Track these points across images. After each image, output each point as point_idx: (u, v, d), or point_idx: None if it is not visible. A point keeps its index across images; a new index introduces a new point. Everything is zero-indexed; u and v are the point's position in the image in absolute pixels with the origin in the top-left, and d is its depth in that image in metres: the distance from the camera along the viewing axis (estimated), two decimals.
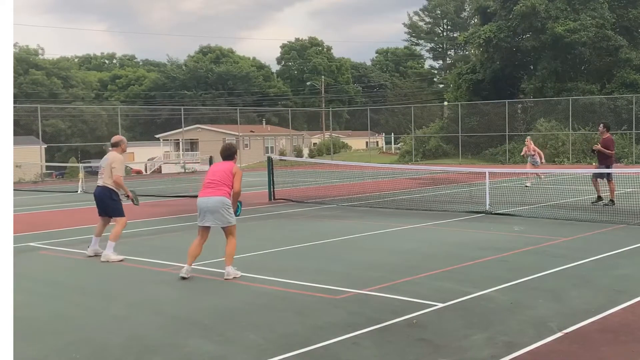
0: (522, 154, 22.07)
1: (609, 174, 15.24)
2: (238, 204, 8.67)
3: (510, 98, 42.90)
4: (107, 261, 9.82)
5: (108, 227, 10.48)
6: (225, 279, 8.22)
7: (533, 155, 20.88)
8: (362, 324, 6.20)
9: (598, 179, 15.43)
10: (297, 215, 15.13)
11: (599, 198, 15.28)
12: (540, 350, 5.40)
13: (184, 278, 8.29)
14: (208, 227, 8.47)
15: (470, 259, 9.25)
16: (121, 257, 9.93)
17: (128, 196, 10.35)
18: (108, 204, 10.18)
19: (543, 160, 21.43)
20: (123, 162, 10.31)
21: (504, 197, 17.08)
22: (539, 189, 19.73)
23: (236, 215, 8.57)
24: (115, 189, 10.17)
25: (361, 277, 8.24)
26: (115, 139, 10.53)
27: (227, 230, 8.40)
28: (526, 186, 20.35)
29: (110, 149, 10.56)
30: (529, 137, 22.92)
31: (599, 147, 15.13)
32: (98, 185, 10.24)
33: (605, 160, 15.21)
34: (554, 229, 12.04)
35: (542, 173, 22.04)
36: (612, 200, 14.96)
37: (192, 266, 8.44)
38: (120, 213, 10.21)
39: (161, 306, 7.18)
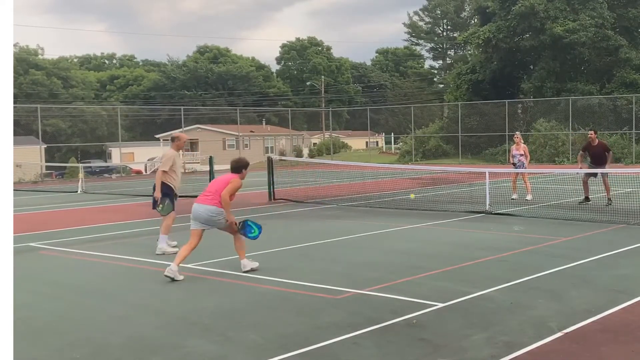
0: (512, 155, 17.66)
1: (605, 173, 15.37)
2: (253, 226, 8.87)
3: (510, 98, 42.91)
4: (164, 253, 10.14)
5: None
6: (243, 271, 8.66)
7: (521, 155, 17.30)
8: (362, 324, 6.20)
9: (590, 178, 15.55)
10: (297, 216, 15.12)
11: (587, 199, 15.43)
12: (540, 350, 5.40)
13: (172, 279, 8.31)
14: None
15: (470, 259, 9.26)
16: (176, 250, 10.00)
17: (156, 197, 10.28)
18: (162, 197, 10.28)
19: (528, 161, 17.76)
20: (171, 158, 10.36)
21: (504, 197, 17.07)
22: (538, 189, 19.71)
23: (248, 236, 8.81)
24: (169, 185, 10.32)
25: (361, 277, 8.24)
26: (175, 133, 11.01)
27: (229, 230, 8.78)
28: (512, 199, 17.04)
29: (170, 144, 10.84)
30: (518, 132, 18.77)
31: (609, 159, 15.48)
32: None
33: (602, 161, 15.36)
34: (554, 229, 12.04)
35: (530, 174, 18.78)
36: (610, 199, 15.05)
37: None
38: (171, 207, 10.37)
39: (161, 306, 7.19)
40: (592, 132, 16.00)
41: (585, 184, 15.57)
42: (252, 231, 8.77)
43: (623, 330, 5.89)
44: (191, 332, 6.16)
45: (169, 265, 8.42)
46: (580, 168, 16.01)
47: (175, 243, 10.60)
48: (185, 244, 8.65)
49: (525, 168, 17.56)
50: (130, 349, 5.72)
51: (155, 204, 10.39)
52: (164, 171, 10.28)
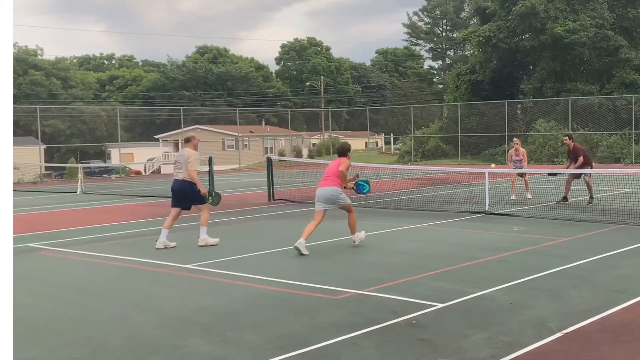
0: (511, 160, 17.68)
1: (588, 173, 15.63)
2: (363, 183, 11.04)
3: (509, 98, 42.93)
4: (206, 245, 10.71)
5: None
6: (353, 244, 10.44)
7: (520, 160, 17.38)
8: (361, 324, 6.20)
9: (574, 180, 15.74)
10: (296, 216, 15.12)
11: (565, 199, 15.65)
12: (540, 351, 5.40)
13: (301, 254, 9.69)
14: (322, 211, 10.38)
15: (470, 259, 9.26)
16: (217, 240, 10.86)
17: (204, 195, 11.03)
18: (191, 196, 10.83)
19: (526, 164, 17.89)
20: (197, 156, 11.01)
21: (504, 198, 17.07)
22: (538, 189, 19.71)
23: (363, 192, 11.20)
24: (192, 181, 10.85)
25: (361, 277, 8.24)
26: (189, 134, 11.39)
27: (346, 208, 10.43)
28: (512, 199, 16.97)
29: (184, 144, 11.30)
30: (516, 138, 18.92)
31: (575, 166, 15.46)
32: (177, 179, 10.90)
33: (584, 165, 15.53)
34: (554, 229, 12.04)
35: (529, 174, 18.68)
36: (591, 197, 15.32)
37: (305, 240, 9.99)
38: (203, 201, 11.01)
39: (161, 306, 7.18)
40: (566, 137, 16.18)
41: (568, 183, 15.76)
42: (364, 188, 10.77)
43: (623, 330, 5.89)
44: (191, 332, 6.16)
45: (174, 265, 8.41)
46: (567, 168, 16.16)
47: (174, 244, 10.85)
48: (312, 222, 10.16)
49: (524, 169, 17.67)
50: (129, 349, 5.71)
51: (200, 200, 10.92)
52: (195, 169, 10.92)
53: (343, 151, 10.61)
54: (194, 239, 11.14)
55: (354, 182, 10.85)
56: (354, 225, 10.46)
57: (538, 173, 23.48)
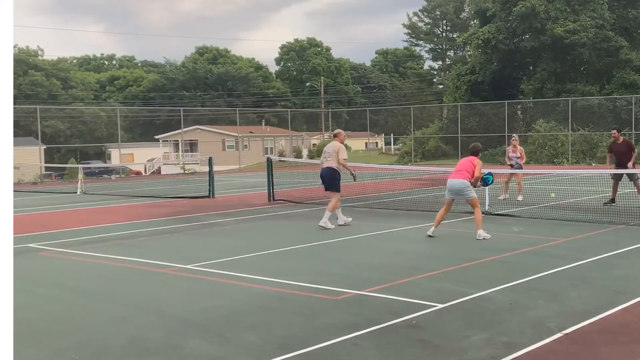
0: (507, 156, 17.63)
1: (634, 174, 15.30)
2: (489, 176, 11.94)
3: (509, 99, 42.92)
4: (324, 227, 12.15)
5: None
6: (477, 239, 10.83)
7: (518, 157, 17.31)
8: (361, 324, 6.20)
9: (619, 181, 15.47)
10: (296, 216, 15.13)
11: (612, 201, 15.36)
12: (540, 351, 5.40)
13: (430, 236, 11.14)
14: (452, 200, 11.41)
15: (470, 259, 9.26)
16: (332, 226, 12.35)
17: (352, 175, 12.86)
18: (333, 182, 12.48)
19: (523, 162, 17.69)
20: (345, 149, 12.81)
21: (504, 198, 17.05)
22: (538, 190, 19.72)
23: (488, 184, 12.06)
24: (338, 170, 12.53)
25: (360, 278, 8.25)
26: (336, 131, 13.30)
27: (471, 202, 11.16)
28: (501, 199, 16.88)
29: (333, 138, 13.21)
30: (516, 135, 18.68)
31: (633, 158, 15.24)
32: (324, 167, 12.58)
33: (626, 159, 15.24)
34: (554, 229, 12.05)
35: (522, 175, 18.41)
36: None
37: (438, 228, 11.41)
38: (338, 189, 12.53)
39: (161, 307, 7.18)
40: (615, 130, 15.92)
41: (614, 185, 15.46)
42: (489, 180, 11.82)
43: (622, 331, 5.90)
44: (190, 333, 6.17)
45: (174, 266, 8.40)
46: (610, 168, 15.88)
47: (350, 219, 12.94)
48: (441, 210, 11.36)
49: (522, 169, 17.63)
50: (130, 350, 5.72)
51: (336, 188, 12.68)
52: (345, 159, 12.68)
53: (476, 151, 11.61)
54: (195, 239, 11.16)
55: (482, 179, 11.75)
56: (479, 221, 11.02)
57: (537, 174, 23.46)
